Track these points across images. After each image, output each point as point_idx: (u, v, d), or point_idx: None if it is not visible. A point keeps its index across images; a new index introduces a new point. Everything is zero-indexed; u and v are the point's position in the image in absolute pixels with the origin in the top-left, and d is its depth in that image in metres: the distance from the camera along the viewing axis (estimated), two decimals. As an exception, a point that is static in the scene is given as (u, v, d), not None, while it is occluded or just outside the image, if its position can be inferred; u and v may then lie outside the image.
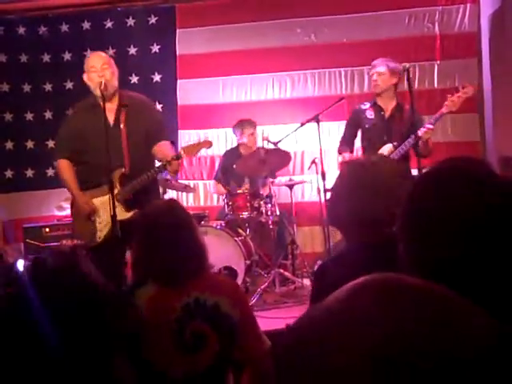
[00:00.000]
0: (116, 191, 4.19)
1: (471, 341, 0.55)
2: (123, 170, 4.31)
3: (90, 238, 4.38)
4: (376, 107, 5.33)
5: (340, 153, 5.61)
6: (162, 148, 4.41)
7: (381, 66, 5.24)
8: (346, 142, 5.52)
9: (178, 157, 4.23)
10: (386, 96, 5.29)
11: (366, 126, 5.34)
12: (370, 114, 5.33)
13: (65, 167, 4.49)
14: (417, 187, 1.19)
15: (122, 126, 4.34)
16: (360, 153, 5.60)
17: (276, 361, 0.61)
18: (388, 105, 5.29)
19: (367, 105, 5.40)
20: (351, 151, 5.49)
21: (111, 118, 4.36)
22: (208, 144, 4.49)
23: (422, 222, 1.12)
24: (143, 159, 4.41)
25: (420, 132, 4.81)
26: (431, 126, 4.89)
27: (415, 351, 0.53)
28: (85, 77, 4.49)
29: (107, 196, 4.18)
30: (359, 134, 5.49)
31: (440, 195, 1.12)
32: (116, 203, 4.05)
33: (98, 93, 4.25)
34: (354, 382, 0.53)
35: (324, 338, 0.57)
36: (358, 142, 5.59)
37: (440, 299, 0.59)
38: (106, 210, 4.19)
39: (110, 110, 4.31)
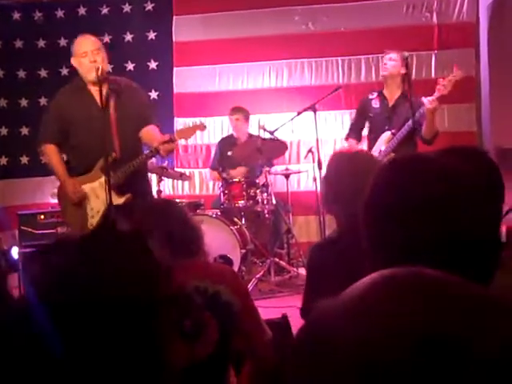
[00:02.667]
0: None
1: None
2: (113, 154, 4.17)
3: (81, 226, 4.28)
4: (381, 97, 5.34)
5: (347, 139, 5.61)
6: (150, 133, 4.30)
7: (394, 53, 5.24)
8: (354, 130, 5.52)
9: (172, 140, 4.14)
10: (391, 84, 5.28)
11: (371, 115, 5.36)
12: (376, 103, 5.34)
13: (50, 152, 4.37)
14: (384, 172, 1.20)
15: (111, 110, 4.23)
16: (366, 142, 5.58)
17: (292, 355, 0.60)
18: (393, 94, 5.29)
19: (374, 94, 5.40)
20: (358, 140, 5.48)
21: (99, 102, 4.22)
22: (202, 127, 4.41)
23: (386, 204, 1.12)
24: (133, 143, 4.30)
25: (426, 102, 4.81)
26: (433, 98, 4.86)
27: (436, 346, 0.53)
28: (73, 60, 4.38)
29: (97, 182, 4.17)
30: (367, 123, 5.50)
31: (406, 179, 1.12)
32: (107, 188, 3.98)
33: (92, 77, 4.17)
34: (370, 379, 0.52)
35: (340, 334, 0.56)
36: (366, 131, 5.57)
37: (461, 292, 0.58)
38: (97, 197, 4.16)
39: (99, 94, 4.18)
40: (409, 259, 1.01)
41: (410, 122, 4.92)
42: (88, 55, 4.26)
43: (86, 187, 4.29)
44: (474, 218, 1.06)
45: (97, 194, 4.19)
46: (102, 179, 4.11)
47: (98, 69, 4.09)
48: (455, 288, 0.59)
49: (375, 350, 0.53)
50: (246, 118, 6.39)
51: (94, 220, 4.28)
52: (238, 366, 2.44)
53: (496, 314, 0.56)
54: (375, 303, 0.57)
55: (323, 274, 2.19)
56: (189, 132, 4.35)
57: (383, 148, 5.10)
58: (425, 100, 4.85)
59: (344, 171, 2.33)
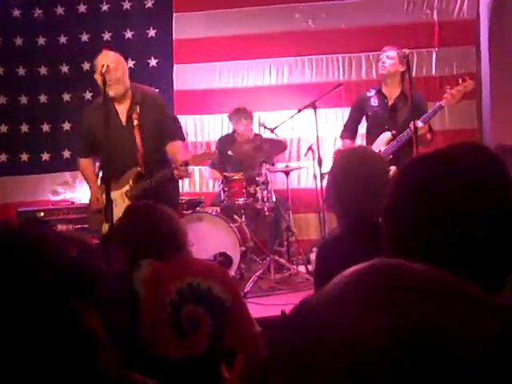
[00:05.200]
0: (128, 188, 4.45)
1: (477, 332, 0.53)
2: (139, 169, 4.46)
3: (98, 227, 4.54)
4: (380, 95, 5.27)
5: (342, 138, 5.58)
6: (175, 149, 4.54)
7: (391, 51, 5.19)
8: (349, 128, 5.47)
9: (186, 163, 4.36)
10: (391, 83, 5.23)
11: (369, 114, 5.30)
12: (374, 102, 5.28)
13: (84, 167, 4.76)
14: (405, 171, 1.19)
15: (135, 123, 4.44)
16: (363, 139, 5.55)
17: (272, 346, 0.59)
18: (392, 93, 5.23)
19: (372, 92, 5.34)
20: (353, 137, 5.45)
21: (123, 117, 4.48)
22: (213, 155, 4.89)
23: (408, 205, 1.11)
24: (157, 155, 4.50)
25: (411, 129, 4.79)
26: (421, 125, 4.83)
27: (417, 339, 0.52)
28: (96, 77, 4.44)
29: (119, 192, 4.44)
30: (363, 120, 5.45)
31: (427, 180, 1.11)
32: (126, 199, 4.42)
33: (112, 94, 4.35)
34: (347, 373, 0.52)
35: (321, 325, 0.55)
36: (361, 129, 5.54)
37: (443, 284, 0.57)
38: (115, 205, 4.29)
39: (123, 109, 4.46)
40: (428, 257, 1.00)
41: (407, 132, 4.90)
42: (110, 70, 4.29)
43: (112, 194, 4.46)
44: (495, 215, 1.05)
45: (116, 203, 4.33)
46: (124, 190, 4.45)
47: (102, 66, 4.14)
48: (437, 283, 0.58)
49: (347, 342, 0.53)
50: (252, 119, 6.36)
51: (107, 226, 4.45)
52: (229, 361, 2.46)
53: (479, 312, 0.55)
54: (351, 293, 0.56)
55: (330, 274, 2.17)
56: (202, 158, 4.69)
57: (382, 149, 5.03)
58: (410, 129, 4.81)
59: (351, 173, 2.28)
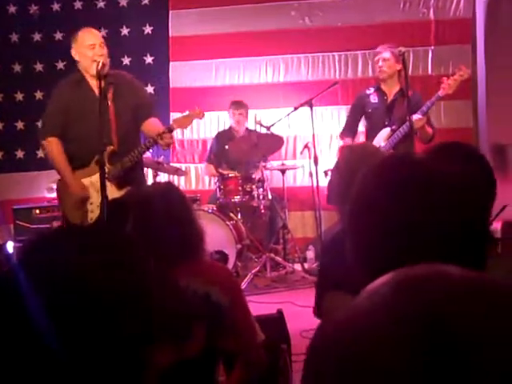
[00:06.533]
0: (106, 170, 4.05)
1: None
2: (112, 147, 4.13)
3: (81, 220, 4.18)
4: (379, 92, 5.30)
5: (342, 138, 5.58)
6: (152, 124, 4.26)
7: (386, 52, 5.20)
8: (349, 128, 5.48)
9: (170, 129, 4.07)
10: (390, 82, 5.26)
11: (369, 111, 5.31)
12: (374, 99, 5.31)
13: (54, 146, 4.26)
14: (371, 174, 1.18)
15: (109, 102, 4.18)
16: (363, 137, 5.55)
17: (314, 354, 0.59)
18: (391, 90, 5.26)
19: (371, 90, 5.37)
20: (353, 137, 5.45)
21: (97, 92, 4.12)
22: (199, 115, 4.24)
23: (367, 209, 1.11)
24: (131, 136, 4.27)
25: (413, 120, 4.79)
26: (420, 116, 4.85)
27: (464, 345, 0.53)
28: (75, 52, 4.34)
29: (96, 175, 4.03)
30: (363, 118, 5.45)
31: (391, 184, 1.10)
32: (107, 182, 3.93)
33: (92, 71, 4.12)
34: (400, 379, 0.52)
35: (368, 333, 0.56)
36: (361, 127, 5.54)
37: (486, 292, 0.57)
38: (97, 191, 4.05)
39: (97, 85, 4.09)
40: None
41: (405, 125, 4.91)
42: (96, 48, 4.24)
43: (85, 181, 4.24)
44: (460, 220, 1.04)
45: (96, 188, 4.07)
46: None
47: (98, 63, 4.04)
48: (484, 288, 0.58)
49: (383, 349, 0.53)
50: (247, 113, 6.40)
51: (93, 214, 4.20)
52: (228, 366, 2.41)
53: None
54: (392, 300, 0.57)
55: (333, 271, 2.16)
56: (186, 120, 4.22)
57: (382, 144, 5.06)
58: (414, 117, 4.80)
59: (357, 167, 2.25)
